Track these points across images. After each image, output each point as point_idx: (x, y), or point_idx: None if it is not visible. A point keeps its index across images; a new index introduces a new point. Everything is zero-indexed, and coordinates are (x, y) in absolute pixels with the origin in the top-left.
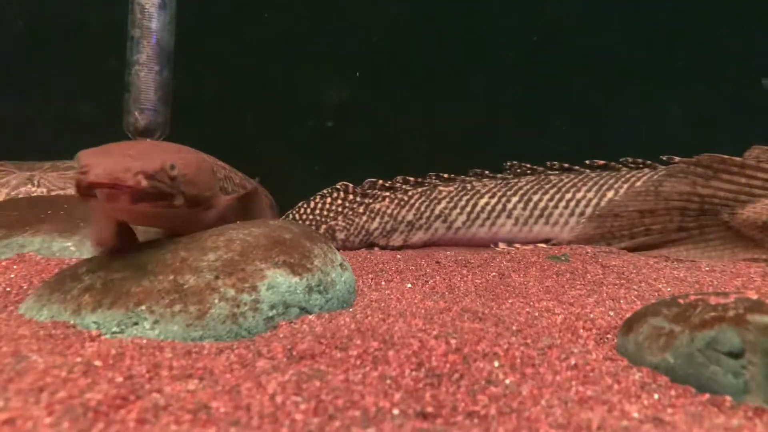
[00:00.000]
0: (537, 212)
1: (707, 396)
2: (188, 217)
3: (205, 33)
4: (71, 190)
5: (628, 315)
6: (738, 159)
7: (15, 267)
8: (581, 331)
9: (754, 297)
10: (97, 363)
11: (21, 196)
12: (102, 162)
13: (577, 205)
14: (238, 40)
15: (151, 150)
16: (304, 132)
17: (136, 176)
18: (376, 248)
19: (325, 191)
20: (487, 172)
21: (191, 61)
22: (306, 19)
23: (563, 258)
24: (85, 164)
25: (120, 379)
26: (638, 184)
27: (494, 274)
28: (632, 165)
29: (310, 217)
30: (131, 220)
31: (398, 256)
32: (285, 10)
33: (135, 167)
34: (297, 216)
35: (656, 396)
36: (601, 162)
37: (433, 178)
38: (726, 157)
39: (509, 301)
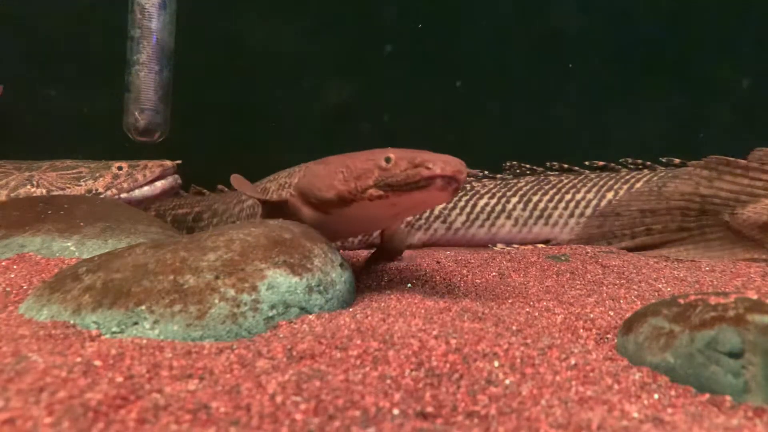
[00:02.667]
0: (537, 213)
1: (707, 396)
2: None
3: (205, 33)
4: (71, 190)
5: (628, 315)
6: (742, 161)
7: (15, 267)
8: (581, 331)
9: (754, 297)
10: (97, 363)
11: (21, 196)
12: (441, 158)
13: (576, 206)
14: (238, 40)
15: None
16: (303, 132)
17: (464, 171)
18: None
19: None
20: (486, 172)
21: (192, 60)
22: (306, 19)
23: (563, 258)
24: (426, 159)
25: (120, 379)
26: (638, 185)
27: (494, 274)
28: (632, 166)
29: None
30: (370, 223)
31: None
32: (285, 10)
33: (462, 164)
34: None
35: (656, 396)
36: (601, 163)
37: None
38: (731, 159)
39: (509, 301)
